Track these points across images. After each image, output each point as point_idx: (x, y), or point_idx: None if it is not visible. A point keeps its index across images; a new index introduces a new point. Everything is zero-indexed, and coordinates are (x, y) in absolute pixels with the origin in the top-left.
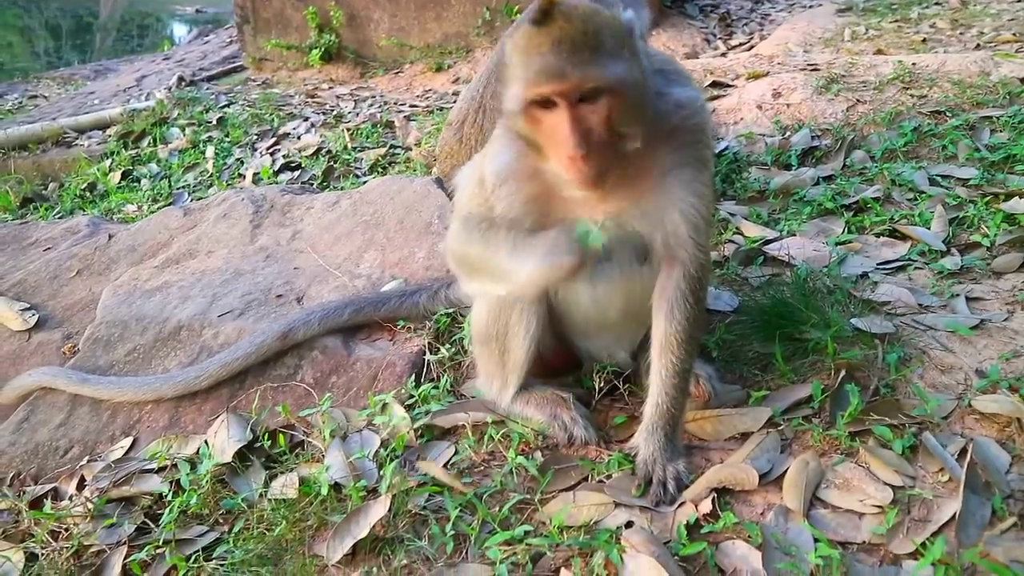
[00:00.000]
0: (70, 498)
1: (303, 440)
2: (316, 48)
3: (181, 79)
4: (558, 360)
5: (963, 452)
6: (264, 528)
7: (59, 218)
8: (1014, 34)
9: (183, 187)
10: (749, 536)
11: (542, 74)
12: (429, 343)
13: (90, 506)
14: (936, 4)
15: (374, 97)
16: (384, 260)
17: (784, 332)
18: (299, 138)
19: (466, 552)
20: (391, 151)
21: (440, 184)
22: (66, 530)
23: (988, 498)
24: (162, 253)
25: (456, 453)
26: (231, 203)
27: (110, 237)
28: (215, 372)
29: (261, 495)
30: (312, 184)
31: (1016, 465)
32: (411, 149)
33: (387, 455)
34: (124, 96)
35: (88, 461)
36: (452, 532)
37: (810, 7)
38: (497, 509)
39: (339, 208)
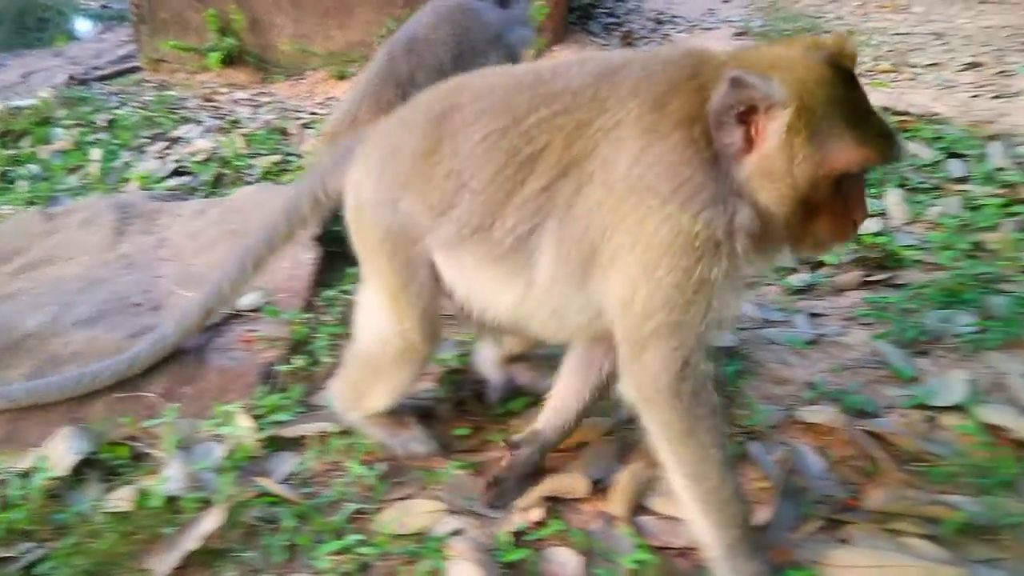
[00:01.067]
0: None
1: (146, 452)
2: (216, 51)
3: (72, 77)
4: None
5: (784, 460)
6: (95, 542)
7: None
8: (892, 64)
9: (64, 190)
10: (574, 542)
11: (888, 136)
12: (283, 354)
13: None
14: (825, 32)
15: (273, 103)
16: None
17: None
18: (191, 142)
19: (297, 562)
20: (286, 158)
21: None
22: None
23: (799, 503)
24: (18, 259)
25: (300, 463)
26: (95, 209)
27: None
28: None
29: (95, 509)
30: (202, 190)
31: (831, 471)
32: (303, 157)
33: (229, 466)
34: (7, 93)
35: None
36: (285, 542)
37: (709, 29)
38: (333, 519)
39: (206, 216)
